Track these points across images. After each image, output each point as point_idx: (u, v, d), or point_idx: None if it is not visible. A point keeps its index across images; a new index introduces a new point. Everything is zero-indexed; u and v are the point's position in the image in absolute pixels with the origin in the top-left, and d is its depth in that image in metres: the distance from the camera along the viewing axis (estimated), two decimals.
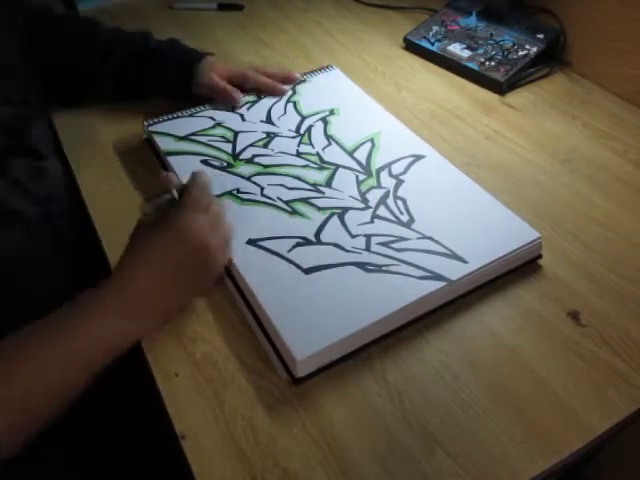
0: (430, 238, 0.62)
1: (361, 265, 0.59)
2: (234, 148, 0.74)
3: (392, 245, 0.61)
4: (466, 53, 0.95)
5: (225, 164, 0.72)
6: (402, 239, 0.62)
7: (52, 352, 0.47)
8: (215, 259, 0.56)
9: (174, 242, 0.53)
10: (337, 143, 0.76)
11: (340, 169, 0.72)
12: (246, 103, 0.82)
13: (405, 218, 0.65)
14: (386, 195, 0.68)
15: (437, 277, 0.57)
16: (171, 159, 0.72)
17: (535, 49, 0.94)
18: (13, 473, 0.43)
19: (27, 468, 0.54)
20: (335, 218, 0.65)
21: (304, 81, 0.87)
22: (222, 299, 0.60)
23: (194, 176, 0.59)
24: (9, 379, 0.44)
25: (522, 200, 0.71)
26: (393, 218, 0.65)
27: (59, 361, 0.47)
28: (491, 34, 0.98)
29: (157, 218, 0.55)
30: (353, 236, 0.63)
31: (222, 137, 0.76)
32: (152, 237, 0.54)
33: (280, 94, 0.83)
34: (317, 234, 0.63)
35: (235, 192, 0.68)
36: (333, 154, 0.74)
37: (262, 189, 0.68)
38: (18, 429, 0.44)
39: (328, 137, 0.77)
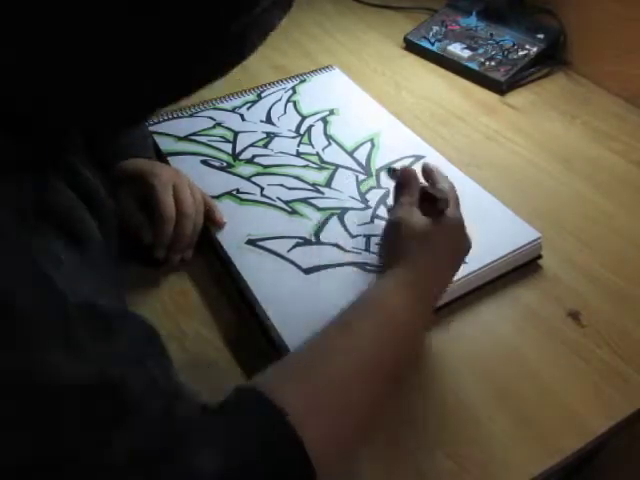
0: None
1: (361, 265, 0.59)
2: (234, 148, 0.74)
3: None
4: (466, 53, 0.95)
5: (225, 164, 0.72)
6: None
7: (368, 324, 0.44)
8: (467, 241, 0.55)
9: (458, 248, 0.53)
10: (337, 143, 0.76)
11: (340, 169, 0.72)
12: (246, 103, 0.82)
13: None
14: (386, 195, 0.68)
15: None
16: (171, 159, 0.72)
17: (535, 49, 0.93)
18: None
19: None
20: (335, 218, 0.65)
21: (304, 81, 0.87)
22: (222, 299, 0.60)
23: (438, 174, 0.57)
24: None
25: (522, 200, 0.70)
26: None
27: (376, 332, 0.43)
28: (491, 34, 0.98)
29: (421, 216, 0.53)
30: (353, 236, 0.63)
31: (222, 137, 0.76)
32: (445, 243, 0.52)
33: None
34: (317, 234, 0.63)
35: (235, 192, 0.68)
36: (333, 154, 0.74)
37: (262, 189, 0.68)
38: (334, 434, 0.38)
39: (328, 137, 0.77)
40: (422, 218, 0.51)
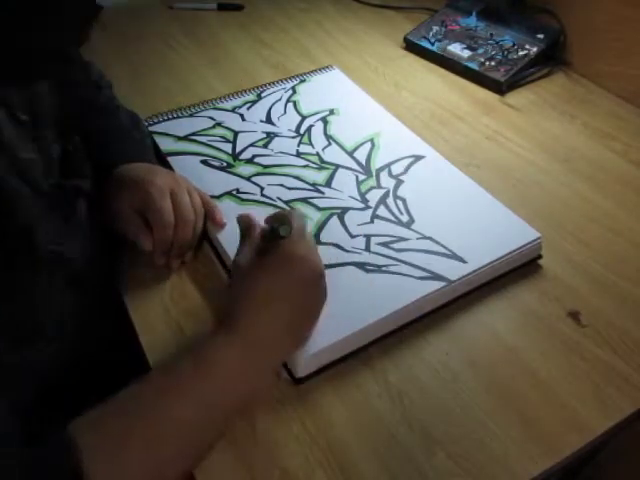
0: (430, 238, 0.62)
1: (361, 265, 0.59)
2: (234, 148, 0.74)
3: (392, 245, 0.61)
4: (466, 53, 0.95)
5: (225, 164, 0.72)
6: (402, 239, 0.62)
7: (181, 401, 0.44)
8: (325, 285, 0.51)
9: (296, 278, 0.48)
10: (337, 143, 0.76)
11: (340, 169, 0.72)
12: (246, 103, 0.82)
13: (405, 218, 0.65)
14: (386, 195, 0.68)
15: (437, 277, 0.57)
16: (171, 159, 0.72)
17: (535, 49, 0.93)
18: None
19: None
20: (335, 218, 0.65)
21: (304, 81, 0.87)
22: (222, 300, 0.60)
23: (293, 210, 0.55)
24: (132, 437, 0.41)
25: (522, 200, 0.71)
26: (393, 218, 0.65)
27: (188, 410, 0.44)
28: (491, 34, 0.98)
29: (256, 254, 0.51)
30: (353, 236, 0.63)
31: (222, 137, 0.76)
32: (272, 277, 0.48)
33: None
34: (317, 234, 0.63)
35: (235, 192, 0.68)
36: (333, 154, 0.74)
37: (262, 189, 0.68)
38: None
39: (328, 137, 0.77)
40: (249, 253, 0.49)
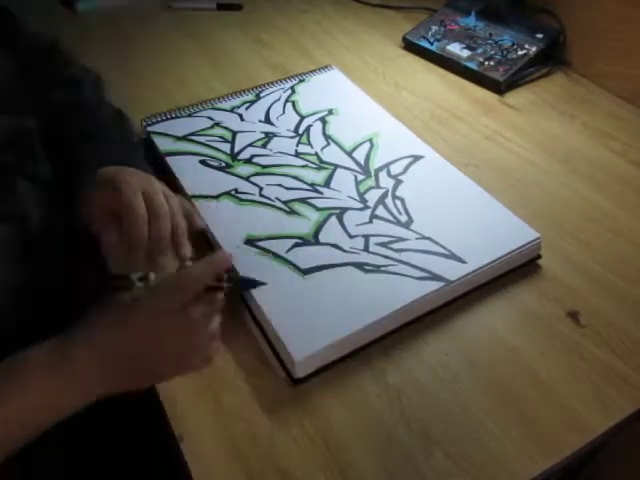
0: (429, 238, 0.62)
1: (359, 265, 0.59)
2: (232, 148, 0.74)
3: (391, 245, 0.61)
4: (465, 53, 0.95)
5: (223, 164, 0.72)
6: (401, 239, 0.62)
7: None
8: (183, 363, 0.48)
9: (146, 332, 0.46)
10: (336, 143, 0.76)
11: (339, 169, 0.71)
12: (245, 103, 0.82)
13: (404, 218, 0.64)
14: (385, 195, 0.68)
15: (436, 277, 0.57)
16: (170, 159, 0.72)
17: (534, 49, 0.93)
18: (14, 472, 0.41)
19: (26, 468, 0.54)
20: (334, 218, 0.65)
21: (303, 81, 0.87)
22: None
23: (211, 257, 0.50)
24: None
25: (521, 200, 0.70)
26: (392, 218, 0.64)
27: None
28: (490, 34, 0.98)
29: (144, 292, 0.48)
30: (352, 236, 0.62)
31: (221, 137, 0.76)
32: (128, 317, 0.46)
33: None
34: (315, 234, 0.63)
35: (233, 192, 0.68)
36: (332, 154, 0.74)
37: (260, 189, 0.68)
38: None
39: (327, 137, 0.76)
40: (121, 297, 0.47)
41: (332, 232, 0.63)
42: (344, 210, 0.66)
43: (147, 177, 0.60)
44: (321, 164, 0.72)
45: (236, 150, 0.74)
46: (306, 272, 0.58)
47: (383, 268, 0.59)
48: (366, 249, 0.61)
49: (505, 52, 0.94)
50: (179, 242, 0.56)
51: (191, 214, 0.60)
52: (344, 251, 0.61)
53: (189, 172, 0.69)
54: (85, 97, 0.68)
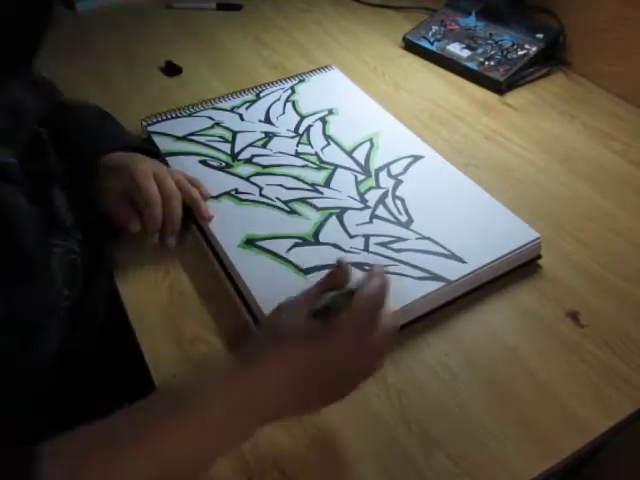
0: (429, 238, 0.62)
1: (360, 265, 0.59)
2: (233, 148, 0.74)
3: (391, 245, 0.61)
4: (465, 53, 0.95)
5: (224, 164, 0.72)
6: (401, 239, 0.62)
7: (151, 455, 0.38)
8: (352, 387, 0.45)
9: (320, 368, 0.42)
10: (336, 143, 0.76)
11: (339, 169, 0.71)
12: (245, 103, 0.82)
13: (404, 218, 0.64)
14: (385, 195, 0.68)
15: (436, 277, 0.57)
16: (170, 159, 0.72)
17: (535, 49, 0.93)
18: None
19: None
20: (334, 218, 0.65)
21: (303, 80, 0.87)
22: (220, 299, 0.60)
23: (373, 277, 0.44)
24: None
25: (521, 200, 0.70)
26: (392, 218, 0.64)
27: (155, 466, 0.38)
28: (490, 34, 0.98)
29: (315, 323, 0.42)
30: (352, 236, 0.62)
31: (221, 137, 0.76)
32: (304, 352, 0.42)
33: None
34: (316, 234, 0.63)
35: (233, 192, 0.68)
36: (332, 154, 0.74)
37: (261, 189, 0.68)
38: None
39: (327, 137, 0.76)
40: (298, 317, 0.42)
41: (332, 232, 0.63)
42: (344, 210, 0.66)
43: (154, 162, 0.66)
44: (321, 164, 0.72)
45: (236, 150, 0.74)
46: (306, 272, 0.58)
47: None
48: (366, 249, 0.61)
49: (505, 52, 0.94)
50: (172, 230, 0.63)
51: (198, 184, 0.67)
52: (344, 251, 0.61)
53: (189, 172, 0.69)
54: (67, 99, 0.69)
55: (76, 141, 0.64)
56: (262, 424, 0.42)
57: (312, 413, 0.46)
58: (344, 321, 0.41)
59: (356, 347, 0.42)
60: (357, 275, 0.46)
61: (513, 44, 0.95)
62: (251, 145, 0.75)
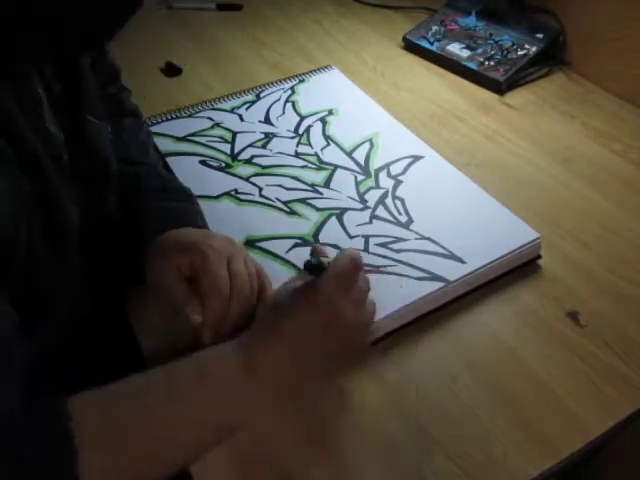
0: (429, 239, 0.62)
1: None
2: (232, 148, 0.74)
3: (390, 246, 0.61)
4: (465, 53, 0.95)
5: (224, 165, 0.72)
6: (400, 240, 0.62)
7: (182, 414, 0.43)
8: (356, 343, 0.50)
9: (315, 325, 0.46)
10: (336, 143, 0.76)
11: (339, 169, 0.71)
12: (245, 103, 0.82)
13: (404, 219, 0.64)
14: (385, 195, 0.68)
15: (436, 278, 0.57)
16: (170, 160, 0.72)
17: (534, 49, 0.93)
18: None
19: None
20: (334, 219, 0.65)
21: (303, 81, 0.87)
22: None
23: (346, 252, 0.48)
24: (137, 435, 0.41)
25: (521, 200, 0.70)
26: (392, 219, 0.65)
27: (189, 425, 0.43)
28: (490, 34, 0.98)
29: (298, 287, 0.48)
30: (352, 237, 0.63)
31: (221, 137, 0.76)
32: (295, 318, 0.47)
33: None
34: (315, 235, 0.63)
35: (233, 193, 0.68)
36: (332, 154, 0.74)
37: (260, 190, 0.68)
38: None
39: (327, 137, 0.77)
40: (289, 285, 0.48)
41: (332, 232, 0.63)
42: (344, 210, 0.66)
43: (229, 240, 0.57)
44: (321, 164, 0.72)
45: (236, 150, 0.74)
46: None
47: (383, 269, 0.59)
48: (366, 249, 0.61)
49: (505, 52, 0.94)
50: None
51: (265, 286, 0.56)
52: None
53: (189, 173, 0.69)
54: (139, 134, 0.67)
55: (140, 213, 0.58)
56: (278, 393, 0.47)
57: (328, 378, 0.51)
58: (329, 276, 0.47)
59: (342, 298, 0.47)
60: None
61: (513, 44, 0.95)
62: (251, 145, 0.75)
